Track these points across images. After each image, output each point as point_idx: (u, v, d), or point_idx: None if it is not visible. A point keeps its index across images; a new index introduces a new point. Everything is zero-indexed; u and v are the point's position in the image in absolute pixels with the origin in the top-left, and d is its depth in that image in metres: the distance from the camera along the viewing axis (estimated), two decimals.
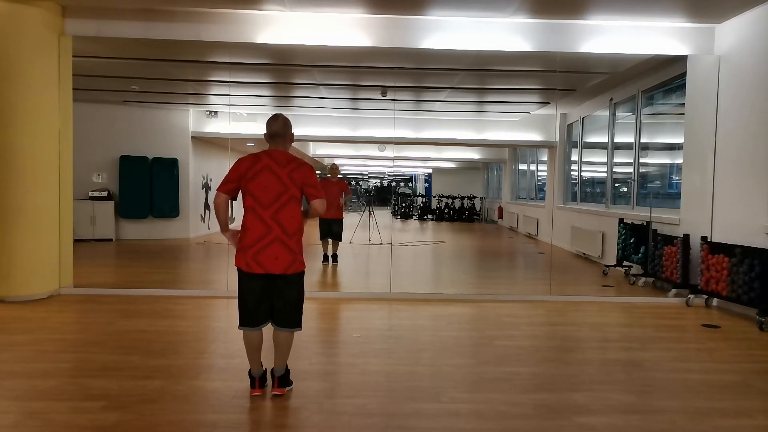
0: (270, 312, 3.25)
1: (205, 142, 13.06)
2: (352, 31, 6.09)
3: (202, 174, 13.26)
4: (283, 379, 3.29)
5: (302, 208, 3.28)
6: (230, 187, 3.20)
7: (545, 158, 13.51)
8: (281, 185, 3.15)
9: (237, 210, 3.26)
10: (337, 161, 16.91)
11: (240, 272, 3.21)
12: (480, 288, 7.27)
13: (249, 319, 3.21)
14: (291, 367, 3.56)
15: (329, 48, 6.42)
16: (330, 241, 8.74)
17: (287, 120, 3.32)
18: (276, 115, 3.31)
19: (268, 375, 3.39)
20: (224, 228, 3.29)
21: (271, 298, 3.22)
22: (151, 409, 3.04)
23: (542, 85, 9.09)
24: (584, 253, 9.94)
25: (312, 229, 9.21)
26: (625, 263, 7.99)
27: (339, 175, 8.86)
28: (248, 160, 3.20)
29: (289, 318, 3.24)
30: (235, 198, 3.28)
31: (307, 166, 3.24)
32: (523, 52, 6.31)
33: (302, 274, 3.28)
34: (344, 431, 2.83)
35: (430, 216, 21.38)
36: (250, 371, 3.29)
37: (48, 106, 5.85)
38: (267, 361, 3.56)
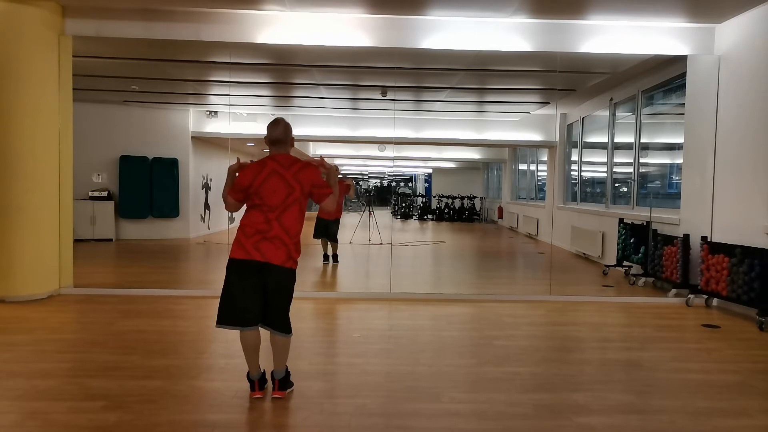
0: (262, 313, 3.17)
1: (205, 142, 13.06)
2: (352, 31, 6.08)
3: (202, 174, 13.26)
4: (283, 382, 3.26)
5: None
6: (239, 197, 3.26)
7: (545, 158, 13.51)
8: (288, 187, 3.16)
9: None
10: (337, 161, 16.91)
11: (232, 265, 3.14)
12: (480, 288, 7.27)
13: (240, 317, 3.12)
14: (291, 367, 3.54)
15: (329, 48, 6.42)
16: (329, 240, 8.73)
17: (288, 125, 3.33)
18: (276, 120, 3.31)
19: (268, 376, 3.35)
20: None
21: (263, 295, 3.15)
22: (151, 409, 3.04)
23: (542, 85, 9.08)
24: (584, 253, 9.94)
25: (309, 229, 9.21)
26: (625, 263, 7.98)
27: (339, 176, 8.87)
28: (253, 169, 3.21)
29: (279, 322, 3.18)
30: (242, 203, 3.32)
31: (311, 167, 3.25)
32: (523, 52, 6.31)
33: (294, 272, 3.26)
34: (344, 431, 2.83)
35: (430, 216, 21.38)
36: (248, 374, 3.26)
37: (48, 106, 5.85)
38: (266, 362, 3.55)
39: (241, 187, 3.22)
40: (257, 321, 3.17)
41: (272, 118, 3.39)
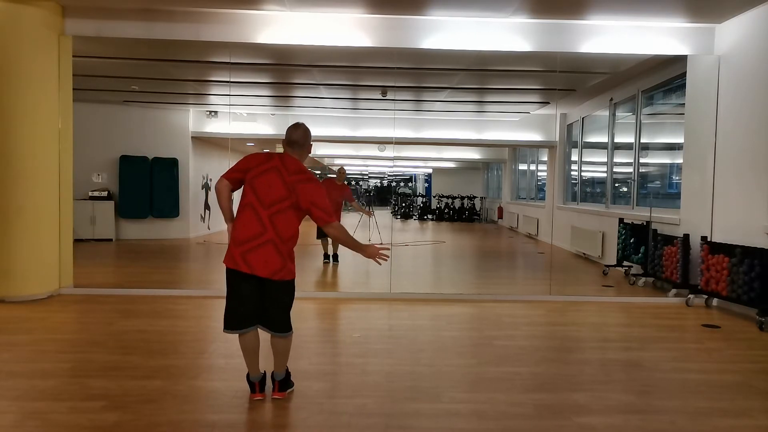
0: (260, 315, 3.15)
1: (205, 142, 13.06)
2: (352, 31, 6.08)
3: (202, 174, 13.25)
4: (284, 383, 3.24)
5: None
6: (235, 176, 3.17)
7: (545, 158, 13.50)
8: (285, 190, 3.07)
9: (236, 207, 3.22)
10: (337, 161, 16.88)
11: (227, 271, 3.12)
12: (480, 288, 7.27)
13: (235, 321, 3.11)
14: (291, 367, 3.55)
15: (329, 48, 6.42)
16: (330, 240, 8.74)
17: (308, 131, 3.27)
18: (298, 123, 3.27)
19: (268, 377, 3.33)
20: (228, 217, 3.24)
21: (262, 301, 3.12)
22: (151, 409, 3.04)
23: (542, 85, 9.08)
24: (584, 253, 9.94)
25: (311, 229, 9.20)
26: (625, 263, 7.98)
27: (344, 180, 8.84)
28: (261, 156, 3.17)
29: (277, 322, 3.15)
30: (235, 189, 3.24)
31: (314, 184, 3.12)
32: (523, 52, 6.31)
33: (291, 282, 3.19)
34: (344, 431, 2.83)
35: (430, 216, 21.37)
36: (248, 375, 3.24)
37: (48, 106, 5.85)
38: (267, 363, 3.55)
39: (243, 167, 3.16)
40: (254, 322, 3.14)
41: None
